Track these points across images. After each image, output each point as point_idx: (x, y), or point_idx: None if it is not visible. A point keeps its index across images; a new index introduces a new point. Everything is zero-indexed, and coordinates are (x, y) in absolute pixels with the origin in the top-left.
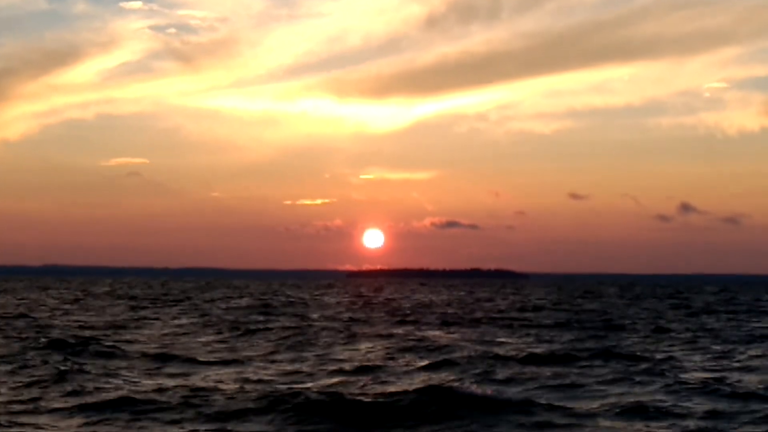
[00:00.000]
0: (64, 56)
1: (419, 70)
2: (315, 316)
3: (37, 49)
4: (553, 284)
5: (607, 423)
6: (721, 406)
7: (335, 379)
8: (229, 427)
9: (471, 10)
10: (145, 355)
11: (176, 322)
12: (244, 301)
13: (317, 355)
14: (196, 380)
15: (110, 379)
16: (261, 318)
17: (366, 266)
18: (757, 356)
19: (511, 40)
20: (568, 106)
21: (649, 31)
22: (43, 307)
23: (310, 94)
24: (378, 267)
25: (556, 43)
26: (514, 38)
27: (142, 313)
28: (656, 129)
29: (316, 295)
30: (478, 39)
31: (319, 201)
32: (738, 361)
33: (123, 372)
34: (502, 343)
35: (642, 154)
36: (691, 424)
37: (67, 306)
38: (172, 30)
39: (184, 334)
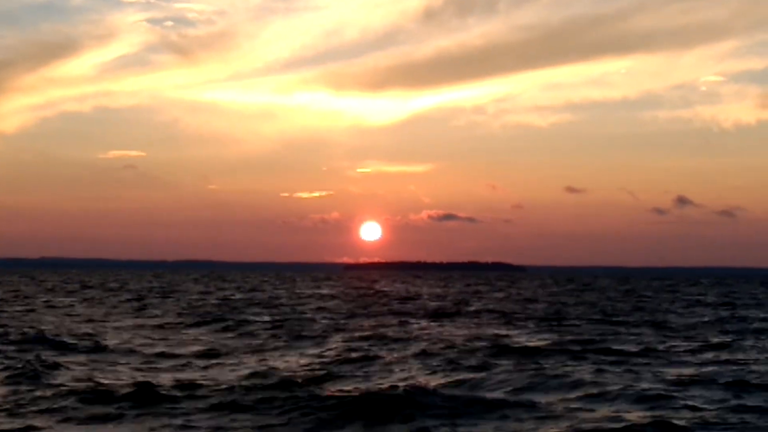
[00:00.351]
0: (61, 49)
1: (416, 64)
2: (305, 308)
3: (34, 41)
4: (550, 277)
5: (593, 415)
6: (717, 396)
7: (307, 374)
8: (191, 423)
9: (468, 2)
10: (123, 349)
11: (162, 315)
12: (233, 294)
13: (299, 349)
14: (166, 374)
15: (82, 373)
16: (251, 310)
17: (363, 259)
18: (753, 348)
19: (508, 33)
20: (565, 99)
21: (645, 25)
22: (27, 300)
23: (307, 88)
24: (375, 260)
25: (554, 36)
26: (512, 31)
27: (130, 306)
28: (653, 122)
29: (311, 288)
30: (476, 32)
31: (316, 194)
32: (733, 353)
33: (98, 365)
34: (489, 335)
35: (638, 147)
36: (686, 414)
37: (53, 298)
38: (170, 23)
39: (169, 327)
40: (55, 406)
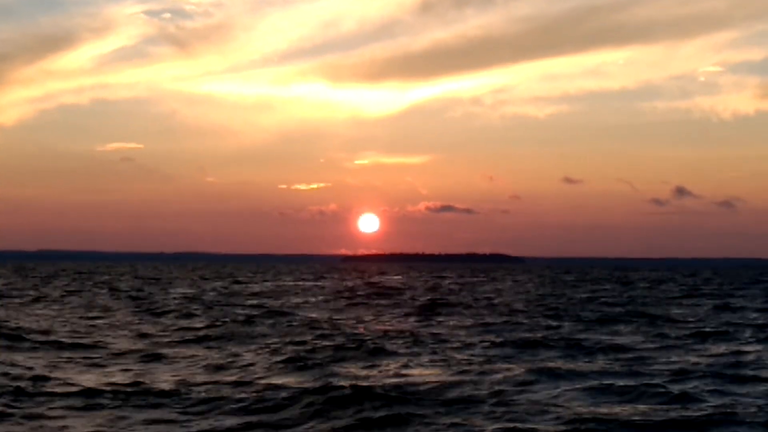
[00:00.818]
0: (59, 41)
1: (414, 55)
2: (293, 302)
3: (32, 34)
4: (547, 268)
5: (582, 409)
6: (713, 386)
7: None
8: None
9: None
10: (52, 343)
11: (145, 308)
12: (226, 287)
13: (268, 341)
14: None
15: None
16: (238, 302)
17: (361, 251)
18: (753, 338)
19: (506, 25)
20: (562, 90)
21: (644, 15)
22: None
23: (304, 79)
24: (373, 251)
25: (551, 27)
26: (509, 22)
27: (112, 298)
28: (651, 113)
29: (306, 280)
30: (473, 23)
31: (314, 185)
32: (729, 344)
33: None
34: (478, 327)
35: (637, 138)
36: (680, 405)
37: (40, 292)
38: (167, 15)
39: (143, 321)
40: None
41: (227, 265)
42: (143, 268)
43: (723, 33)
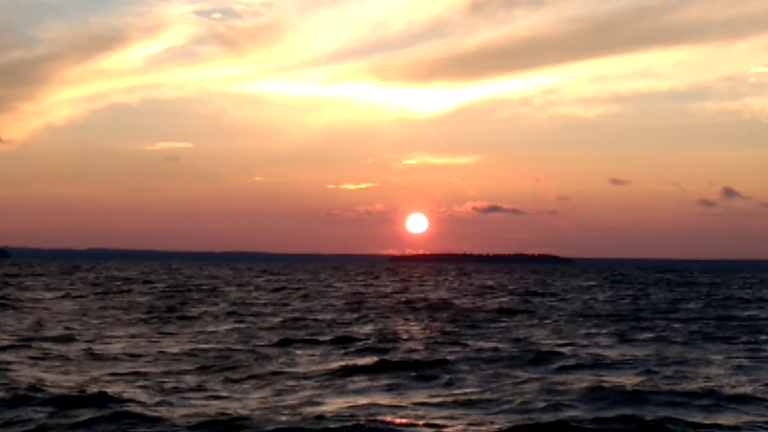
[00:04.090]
0: (109, 41)
1: (463, 55)
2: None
3: (82, 33)
4: (594, 270)
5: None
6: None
7: None
8: None
9: None
10: None
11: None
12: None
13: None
14: None
15: None
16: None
17: (408, 251)
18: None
19: (555, 25)
20: (612, 91)
21: (694, 16)
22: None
23: (353, 79)
24: (420, 252)
25: (601, 27)
26: (559, 23)
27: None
28: (700, 114)
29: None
30: (522, 24)
31: (362, 185)
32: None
33: None
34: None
35: (686, 139)
36: None
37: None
38: (217, 15)
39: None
40: None
41: (275, 264)
42: (185, 268)
43: None
